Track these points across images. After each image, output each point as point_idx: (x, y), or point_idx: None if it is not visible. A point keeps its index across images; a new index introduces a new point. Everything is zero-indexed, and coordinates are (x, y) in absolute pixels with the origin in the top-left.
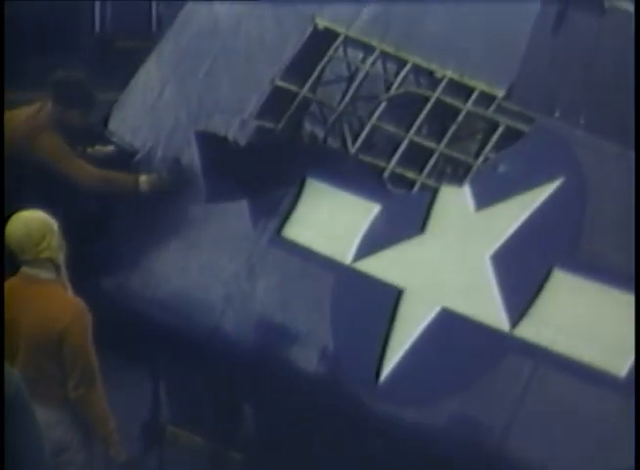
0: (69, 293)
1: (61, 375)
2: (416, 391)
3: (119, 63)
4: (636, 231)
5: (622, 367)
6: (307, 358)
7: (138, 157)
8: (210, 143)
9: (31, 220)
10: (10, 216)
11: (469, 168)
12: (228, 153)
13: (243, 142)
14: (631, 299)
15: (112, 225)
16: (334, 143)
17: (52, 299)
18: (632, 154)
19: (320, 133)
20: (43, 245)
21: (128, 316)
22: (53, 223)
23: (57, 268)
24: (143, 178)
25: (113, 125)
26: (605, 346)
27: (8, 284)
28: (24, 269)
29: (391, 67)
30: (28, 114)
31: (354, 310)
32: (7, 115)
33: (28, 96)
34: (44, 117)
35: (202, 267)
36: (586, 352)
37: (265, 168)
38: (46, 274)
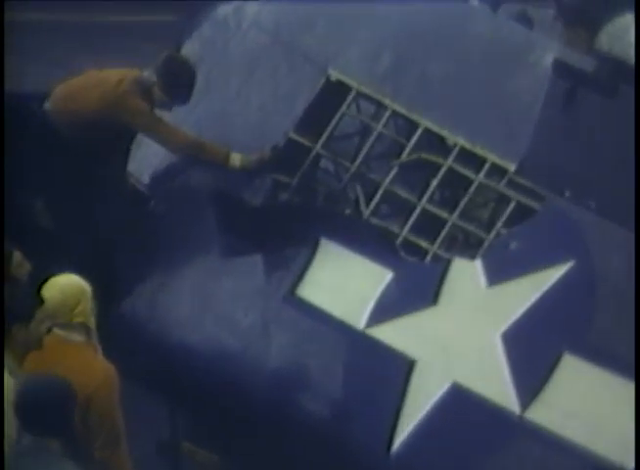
0: (99, 355)
1: (87, 435)
2: (426, 464)
3: None
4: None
5: (630, 461)
6: (320, 419)
7: (153, 203)
8: (226, 201)
9: (67, 287)
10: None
11: (480, 240)
12: (244, 211)
13: (259, 197)
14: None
15: (128, 273)
16: (347, 204)
17: (82, 362)
18: None
19: (334, 193)
20: (77, 310)
21: (146, 356)
22: (87, 288)
23: (88, 331)
24: (234, 155)
25: (131, 166)
26: (614, 436)
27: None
28: (57, 331)
29: (403, 127)
30: (119, 78)
31: (367, 377)
32: (96, 76)
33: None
34: (133, 84)
35: (217, 320)
36: (595, 440)
37: (280, 228)
38: (77, 337)
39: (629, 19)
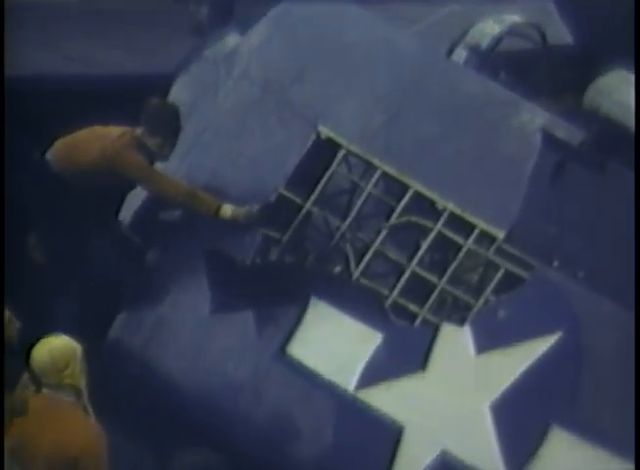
0: (90, 416)
1: None
2: None
3: None
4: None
5: None
6: None
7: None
8: (217, 258)
9: (56, 348)
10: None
11: (469, 306)
12: (235, 268)
13: (250, 253)
14: (625, 465)
15: (119, 323)
16: (337, 263)
17: (70, 422)
18: (628, 314)
19: (324, 251)
20: (66, 372)
21: (138, 406)
22: (77, 350)
23: (77, 393)
24: (225, 207)
25: (123, 215)
26: None
27: (30, 401)
28: (46, 391)
29: (394, 187)
30: (119, 134)
31: (357, 440)
32: (99, 130)
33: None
34: (130, 139)
35: (208, 372)
36: None
37: (271, 285)
38: (66, 398)
39: (618, 75)
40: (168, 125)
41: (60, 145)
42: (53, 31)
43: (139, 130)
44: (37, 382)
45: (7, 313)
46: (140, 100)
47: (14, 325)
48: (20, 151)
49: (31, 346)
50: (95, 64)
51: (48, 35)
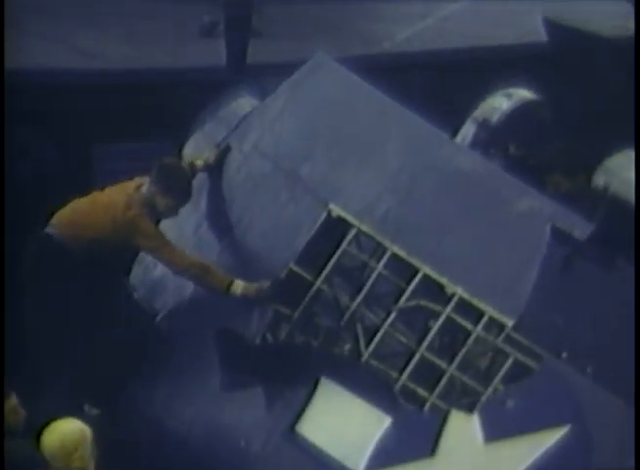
0: None
1: None
2: None
3: None
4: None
5: None
6: None
7: (160, 317)
8: (228, 336)
9: (67, 433)
10: None
11: (478, 393)
12: (245, 346)
13: (260, 330)
14: None
15: (135, 387)
16: (347, 342)
17: None
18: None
19: (334, 330)
20: (75, 456)
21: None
22: (87, 433)
23: None
24: (237, 283)
25: (134, 279)
26: None
27: None
28: None
29: (403, 269)
30: (125, 201)
31: None
32: (100, 199)
33: None
34: (140, 206)
35: (220, 444)
36: None
37: (280, 364)
38: None
39: (627, 155)
40: (181, 188)
41: (62, 219)
42: (57, 24)
43: (145, 188)
44: (46, 465)
45: (13, 402)
46: (146, 95)
47: (20, 415)
48: (20, 145)
49: (41, 429)
50: (102, 57)
51: (52, 27)
